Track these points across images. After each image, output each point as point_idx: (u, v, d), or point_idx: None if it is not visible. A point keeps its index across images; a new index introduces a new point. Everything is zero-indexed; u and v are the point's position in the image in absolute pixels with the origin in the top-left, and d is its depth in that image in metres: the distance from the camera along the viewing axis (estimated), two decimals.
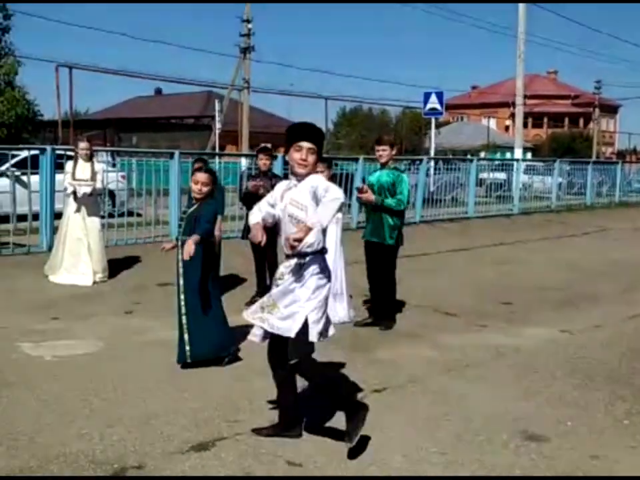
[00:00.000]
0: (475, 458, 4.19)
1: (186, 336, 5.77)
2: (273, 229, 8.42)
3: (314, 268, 4.15)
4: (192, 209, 5.90)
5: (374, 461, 4.12)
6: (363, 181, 8.32)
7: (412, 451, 4.26)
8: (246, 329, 4.73)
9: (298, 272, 4.14)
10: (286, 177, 10.73)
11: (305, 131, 4.22)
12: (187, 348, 5.75)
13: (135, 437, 4.38)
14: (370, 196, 7.17)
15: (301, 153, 4.10)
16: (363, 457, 4.15)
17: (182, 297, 5.80)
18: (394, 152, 7.52)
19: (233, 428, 4.54)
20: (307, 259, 4.14)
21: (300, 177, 4.16)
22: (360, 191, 7.31)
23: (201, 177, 5.88)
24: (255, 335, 4.38)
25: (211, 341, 5.77)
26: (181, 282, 5.81)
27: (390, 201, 7.20)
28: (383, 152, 7.38)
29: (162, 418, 4.68)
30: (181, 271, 5.80)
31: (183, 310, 5.81)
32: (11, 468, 3.92)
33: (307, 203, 4.06)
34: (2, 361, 5.84)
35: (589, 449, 4.36)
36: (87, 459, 4.05)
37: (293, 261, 4.15)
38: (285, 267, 4.20)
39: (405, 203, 7.36)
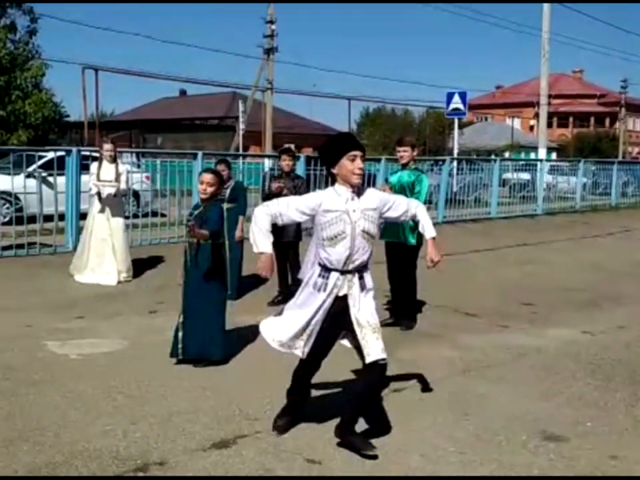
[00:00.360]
0: (494, 458, 4.21)
1: (180, 333, 5.87)
2: (298, 230, 8.47)
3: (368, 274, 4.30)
4: (198, 211, 5.97)
5: (392, 460, 4.15)
6: (386, 181, 8.36)
7: (430, 450, 4.29)
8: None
9: (363, 285, 4.25)
10: (308, 177, 10.78)
11: (354, 139, 4.25)
12: (180, 345, 5.86)
13: (157, 433, 4.45)
14: (388, 192, 7.21)
15: (356, 161, 4.07)
16: (381, 456, 4.18)
17: (183, 296, 5.92)
18: (415, 153, 7.57)
19: (253, 426, 4.60)
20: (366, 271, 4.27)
21: (355, 187, 4.13)
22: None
23: (206, 177, 5.93)
24: (300, 350, 4.34)
25: (199, 343, 5.84)
26: (184, 282, 5.93)
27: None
28: (404, 153, 7.42)
29: (184, 415, 4.75)
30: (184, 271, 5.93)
31: (182, 308, 5.92)
32: (37, 463, 4.01)
33: (377, 217, 4.18)
34: (28, 359, 5.95)
35: (608, 450, 4.36)
36: (110, 455, 4.13)
37: (355, 277, 4.20)
38: (351, 285, 4.20)
39: (422, 202, 7.36)
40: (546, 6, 26.02)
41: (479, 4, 65.56)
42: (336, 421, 4.46)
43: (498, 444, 4.41)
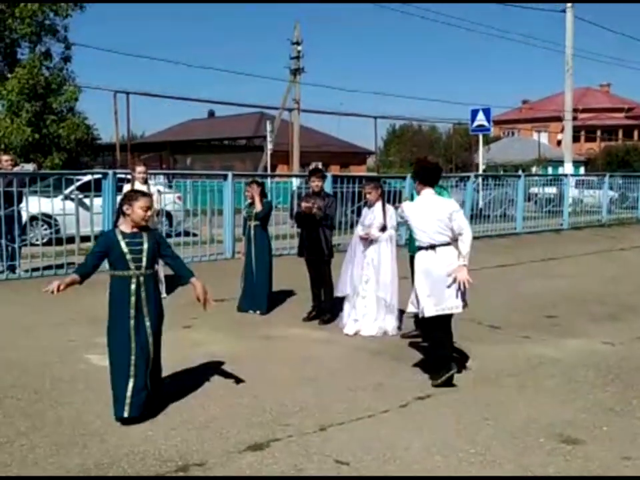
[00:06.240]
0: (511, 458, 4.46)
1: None
2: (328, 247, 8.76)
3: None
4: (140, 240, 5.42)
5: (415, 460, 4.43)
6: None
7: (451, 452, 4.56)
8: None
9: None
10: (335, 195, 11.05)
11: None
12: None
13: (196, 438, 4.77)
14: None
15: None
16: (404, 457, 4.46)
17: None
18: None
19: (285, 430, 4.90)
20: None
21: None
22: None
23: (148, 201, 5.33)
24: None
25: None
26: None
27: None
28: None
29: (220, 421, 5.07)
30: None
31: None
32: (87, 464, 4.35)
33: None
34: (72, 370, 6.33)
35: (622, 451, 4.59)
36: (153, 457, 4.46)
37: None
38: None
39: None
40: (569, 22, 26.21)
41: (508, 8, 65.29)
42: (363, 422, 4.77)
43: (516, 446, 4.66)
